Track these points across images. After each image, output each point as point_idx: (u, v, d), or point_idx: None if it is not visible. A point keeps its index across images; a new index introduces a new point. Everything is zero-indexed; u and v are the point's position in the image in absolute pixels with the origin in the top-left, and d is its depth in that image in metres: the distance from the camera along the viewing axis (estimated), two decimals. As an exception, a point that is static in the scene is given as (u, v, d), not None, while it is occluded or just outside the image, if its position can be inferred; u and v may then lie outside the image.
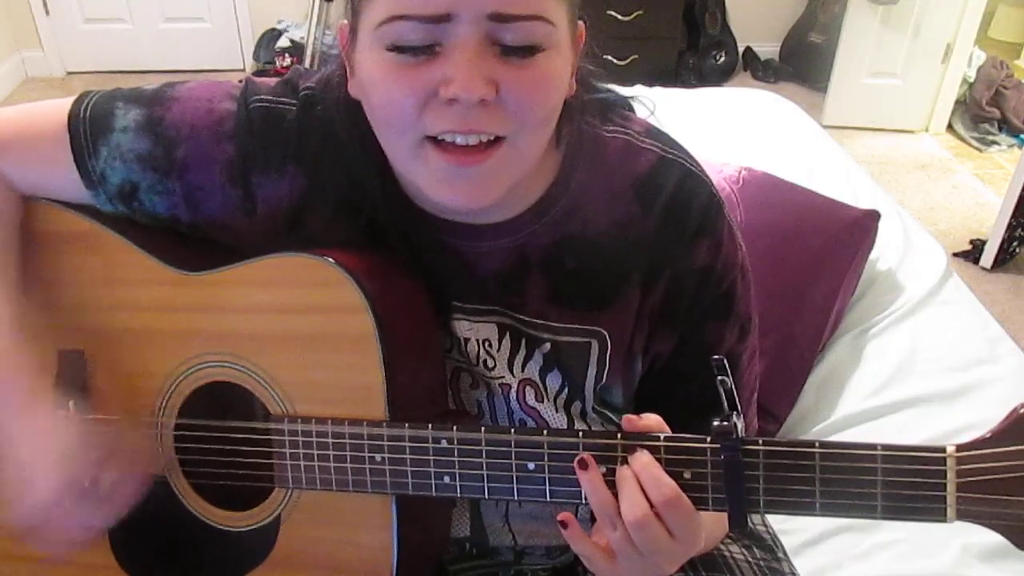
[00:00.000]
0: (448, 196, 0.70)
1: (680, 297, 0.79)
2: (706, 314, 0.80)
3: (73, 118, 0.80)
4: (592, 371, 0.82)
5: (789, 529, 1.19)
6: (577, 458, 0.68)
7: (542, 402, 0.83)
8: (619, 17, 3.77)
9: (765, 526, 0.97)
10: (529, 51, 0.65)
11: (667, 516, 0.65)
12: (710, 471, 0.66)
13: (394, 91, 0.66)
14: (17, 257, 0.82)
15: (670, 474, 0.66)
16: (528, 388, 0.83)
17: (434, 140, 0.67)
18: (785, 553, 0.95)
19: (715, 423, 0.65)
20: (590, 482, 0.67)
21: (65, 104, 0.81)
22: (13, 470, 0.75)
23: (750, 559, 0.89)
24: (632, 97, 0.86)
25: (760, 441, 0.65)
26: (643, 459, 0.67)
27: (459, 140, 0.66)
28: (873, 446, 0.63)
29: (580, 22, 0.72)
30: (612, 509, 0.67)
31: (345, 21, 0.71)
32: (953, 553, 1.13)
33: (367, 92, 0.69)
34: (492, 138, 0.67)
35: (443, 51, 0.64)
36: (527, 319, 0.81)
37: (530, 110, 0.67)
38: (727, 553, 0.89)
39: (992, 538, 1.19)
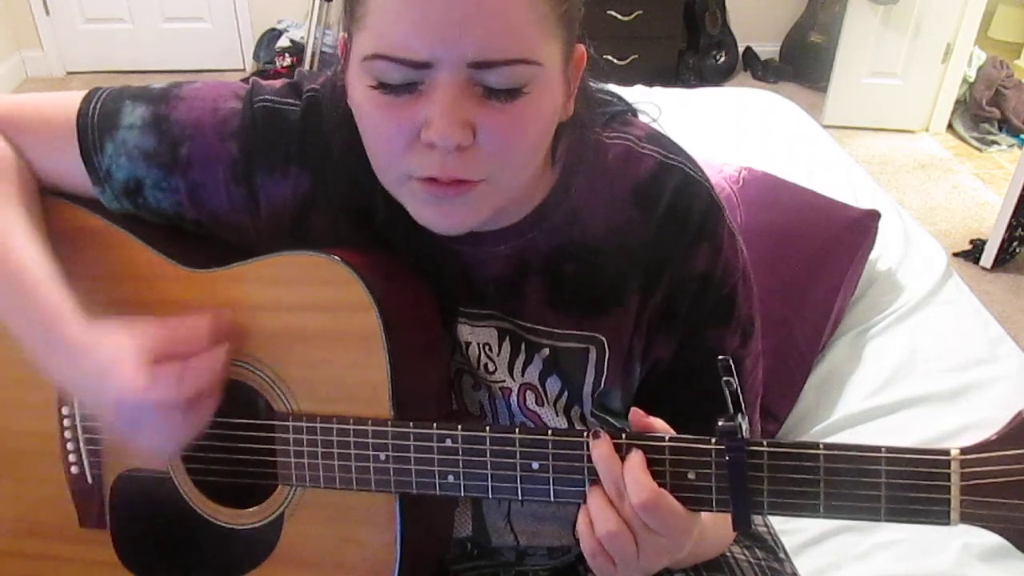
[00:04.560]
0: (432, 220, 0.71)
1: (680, 302, 0.79)
2: (707, 319, 0.80)
3: (82, 116, 0.81)
4: (590, 377, 0.82)
5: (790, 529, 1.20)
6: (592, 431, 0.68)
7: (542, 406, 0.83)
8: (619, 17, 3.77)
9: (766, 526, 0.97)
10: (512, 93, 0.64)
11: (646, 519, 0.66)
12: (714, 472, 0.66)
13: (381, 126, 0.67)
14: (41, 214, 0.81)
15: (674, 474, 0.67)
16: (528, 392, 0.83)
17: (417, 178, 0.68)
18: (786, 553, 0.95)
19: (720, 423, 0.65)
20: (601, 455, 0.67)
21: (76, 98, 0.82)
22: (97, 371, 0.72)
23: (751, 559, 0.89)
24: (636, 105, 0.85)
25: (764, 442, 0.65)
26: (633, 459, 0.67)
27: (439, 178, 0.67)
28: (877, 448, 0.63)
29: (580, 45, 0.71)
30: (622, 484, 0.67)
31: (344, 34, 0.71)
32: (953, 553, 1.13)
33: (358, 117, 0.70)
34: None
35: (425, 90, 0.64)
36: (526, 324, 0.81)
37: (508, 152, 0.67)
38: (728, 553, 0.89)
39: (993, 538, 1.19)
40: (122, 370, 0.70)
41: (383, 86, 0.65)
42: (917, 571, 1.12)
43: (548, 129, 0.71)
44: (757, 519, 0.97)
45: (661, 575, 0.85)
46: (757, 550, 0.91)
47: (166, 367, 0.71)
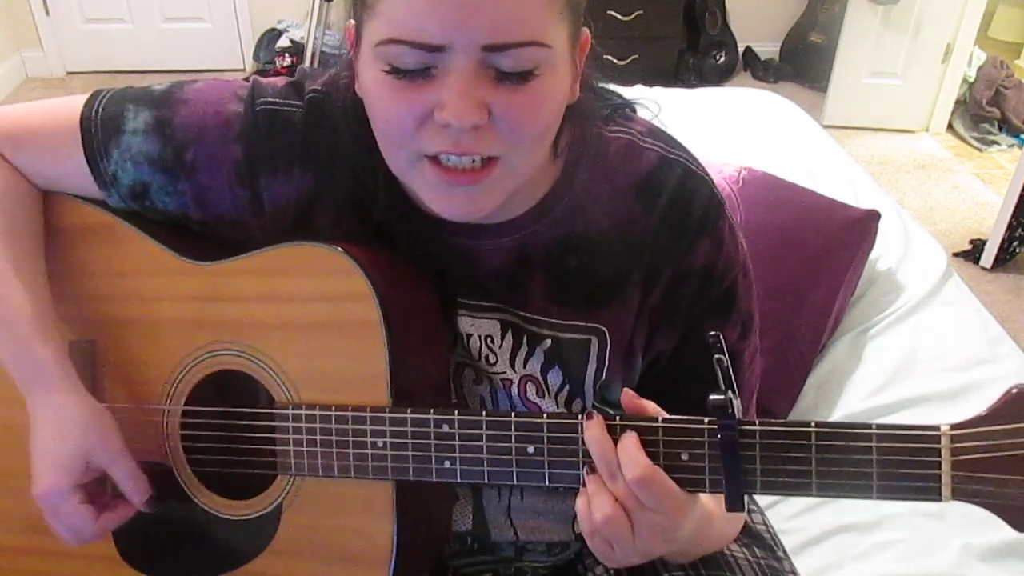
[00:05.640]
0: (443, 207, 0.71)
1: (681, 296, 0.80)
2: (707, 313, 0.81)
3: (85, 120, 0.81)
4: (592, 368, 0.82)
5: (789, 529, 1.20)
6: (585, 412, 0.69)
7: (543, 398, 0.84)
8: (619, 17, 3.77)
9: (765, 525, 0.97)
10: (525, 76, 0.65)
11: (641, 495, 0.66)
12: (707, 452, 0.67)
13: (391, 110, 0.68)
14: (40, 250, 0.84)
15: (668, 455, 0.67)
16: (529, 384, 0.83)
17: (430, 157, 0.68)
18: (785, 552, 0.95)
19: (711, 397, 0.65)
20: (593, 436, 0.68)
21: (77, 103, 0.83)
22: (34, 453, 0.80)
23: (750, 558, 0.89)
24: (637, 101, 0.86)
25: (756, 421, 0.66)
26: (627, 438, 0.67)
27: (453, 160, 0.68)
28: (868, 425, 0.64)
29: (585, 29, 0.72)
30: (614, 464, 0.67)
31: (352, 21, 0.72)
32: (953, 553, 1.13)
33: (368, 103, 0.71)
34: (486, 157, 0.68)
35: (439, 74, 0.65)
36: (529, 316, 0.81)
37: (523, 132, 0.68)
38: (727, 552, 0.89)
39: (992, 538, 1.19)
40: (57, 475, 0.78)
41: (396, 71, 0.66)
42: (917, 571, 1.12)
43: (558, 110, 0.71)
44: (756, 518, 0.97)
45: (660, 574, 0.85)
46: (756, 549, 0.91)
47: (80, 507, 0.78)
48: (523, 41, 0.64)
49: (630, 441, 0.67)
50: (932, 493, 0.63)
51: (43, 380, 0.79)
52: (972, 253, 2.89)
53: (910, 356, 1.43)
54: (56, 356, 0.80)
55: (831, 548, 1.18)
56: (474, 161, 0.68)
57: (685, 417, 0.68)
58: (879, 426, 0.63)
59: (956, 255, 2.87)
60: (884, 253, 1.62)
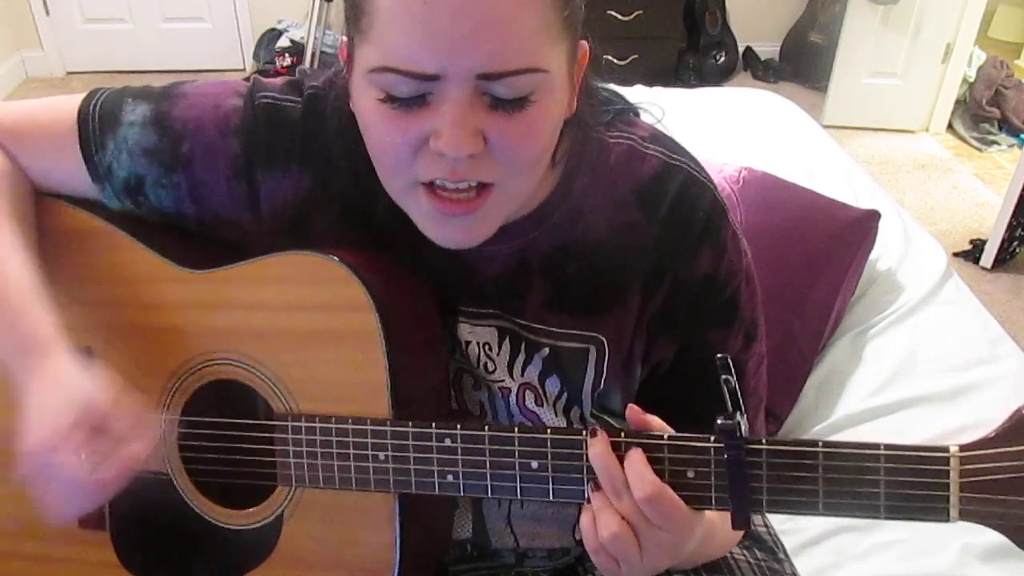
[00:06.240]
0: (438, 235, 0.72)
1: (681, 304, 0.79)
2: (709, 321, 0.80)
3: (83, 113, 0.81)
4: (590, 377, 0.82)
5: (789, 529, 1.20)
6: (590, 429, 0.68)
7: (542, 406, 0.83)
8: (619, 17, 3.77)
9: (766, 527, 0.97)
10: (520, 102, 0.65)
11: (649, 513, 0.66)
12: (713, 470, 0.66)
13: (386, 138, 0.67)
14: (33, 226, 0.82)
15: (673, 472, 0.67)
16: (528, 392, 0.83)
17: (425, 184, 0.68)
18: (786, 554, 0.95)
19: (719, 421, 0.65)
20: (597, 453, 0.67)
21: (76, 100, 0.83)
22: (24, 414, 0.72)
23: (751, 560, 0.89)
24: (639, 105, 0.85)
25: (763, 440, 0.65)
26: (634, 455, 0.67)
27: (449, 185, 0.67)
28: (876, 446, 0.63)
29: (583, 43, 0.72)
30: (619, 482, 0.67)
31: (344, 38, 0.71)
32: (953, 553, 1.13)
33: (362, 127, 0.70)
34: (482, 183, 0.68)
35: (433, 101, 0.64)
36: (526, 324, 0.81)
37: (519, 158, 0.68)
38: (728, 554, 0.89)
39: (992, 538, 1.19)
40: (52, 421, 0.70)
41: (392, 99, 0.65)
42: (917, 571, 1.12)
43: (555, 131, 0.71)
44: (757, 519, 0.96)
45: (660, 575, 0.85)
46: (757, 550, 0.91)
47: (95, 442, 0.70)
48: (519, 69, 0.63)
49: (637, 458, 0.67)
50: (939, 514, 0.63)
51: (39, 346, 0.74)
52: (972, 253, 2.89)
53: (910, 356, 1.43)
54: (57, 322, 0.75)
55: (831, 548, 1.18)
56: (469, 188, 0.67)
57: (691, 435, 0.67)
58: (887, 447, 0.63)
59: (956, 255, 2.87)
60: (884, 253, 1.62)
